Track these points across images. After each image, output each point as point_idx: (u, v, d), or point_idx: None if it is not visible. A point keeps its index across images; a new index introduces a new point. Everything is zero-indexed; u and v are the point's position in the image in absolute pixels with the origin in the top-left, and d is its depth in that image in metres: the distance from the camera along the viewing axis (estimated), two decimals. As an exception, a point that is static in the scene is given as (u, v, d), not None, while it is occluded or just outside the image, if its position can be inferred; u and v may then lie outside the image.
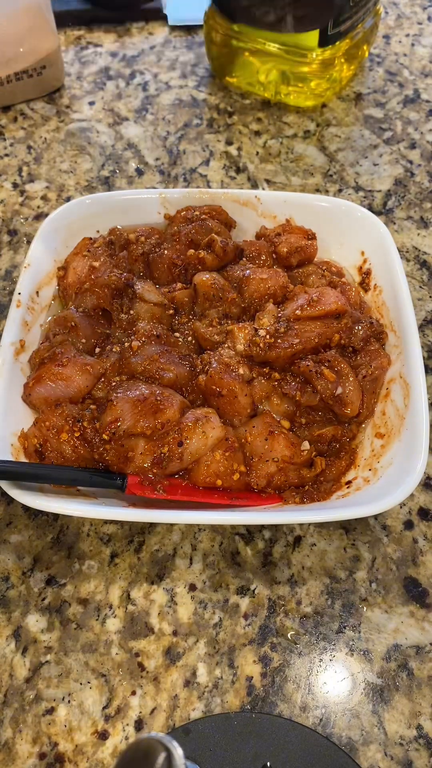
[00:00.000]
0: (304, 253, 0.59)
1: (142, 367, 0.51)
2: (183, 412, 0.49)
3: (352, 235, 0.61)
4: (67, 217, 0.62)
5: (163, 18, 0.94)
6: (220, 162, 0.77)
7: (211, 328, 0.54)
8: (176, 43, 0.91)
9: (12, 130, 0.80)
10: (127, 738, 0.43)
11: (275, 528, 0.51)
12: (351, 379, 0.51)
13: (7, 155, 0.78)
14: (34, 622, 0.47)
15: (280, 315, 0.54)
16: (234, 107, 0.83)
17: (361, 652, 0.46)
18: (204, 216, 0.61)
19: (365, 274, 0.60)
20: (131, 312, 0.56)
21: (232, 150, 0.78)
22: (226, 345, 0.53)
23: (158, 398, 0.49)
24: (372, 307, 0.58)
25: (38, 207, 0.73)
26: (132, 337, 0.53)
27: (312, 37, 0.73)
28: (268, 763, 0.41)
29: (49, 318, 0.58)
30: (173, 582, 0.49)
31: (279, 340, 0.52)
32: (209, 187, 0.74)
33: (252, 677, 0.45)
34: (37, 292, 0.58)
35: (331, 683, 0.45)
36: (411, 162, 0.76)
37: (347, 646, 0.46)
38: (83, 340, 0.54)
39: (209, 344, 0.54)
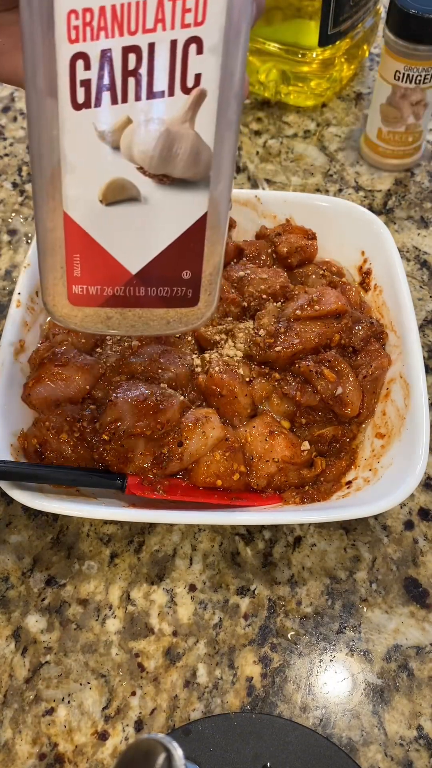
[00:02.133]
0: (304, 253, 0.59)
1: (142, 367, 0.51)
2: (183, 412, 0.49)
3: (352, 235, 0.61)
4: (67, 217, 0.61)
5: (163, 18, 0.94)
6: (220, 162, 0.76)
7: (211, 328, 0.54)
8: (176, 43, 0.91)
9: (12, 130, 0.80)
10: (127, 739, 0.43)
11: (275, 528, 0.51)
12: (351, 379, 0.51)
13: (7, 155, 0.78)
14: (34, 623, 0.47)
15: (280, 315, 0.54)
16: (234, 107, 0.82)
17: (362, 653, 0.46)
18: (204, 216, 0.61)
19: (365, 274, 0.60)
20: (131, 312, 0.56)
21: (232, 150, 0.78)
22: (226, 345, 0.53)
23: (158, 398, 0.48)
24: (372, 307, 0.58)
25: (38, 207, 0.73)
26: (132, 337, 0.53)
27: (312, 36, 0.73)
28: (268, 764, 0.41)
29: (49, 318, 0.58)
30: (173, 582, 0.49)
31: (279, 340, 0.52)
32: (209, 187, 0.74)
33: (252, 678, 0.45)
34: (37, 292, 0.58)
35: (332, 684, 0.45)
36: (411, 162, 0.76)
37: (347, 647, 0.46)
38: (83, 340, 0.54)
39: (209, 344, 0.54)
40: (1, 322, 0.62)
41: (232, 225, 0.63)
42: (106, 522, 0.51)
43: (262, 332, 0.52)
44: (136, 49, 0.29)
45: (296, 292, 0.55)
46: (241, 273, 0.57)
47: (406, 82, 0.66)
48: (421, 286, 0.66)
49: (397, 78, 0.66)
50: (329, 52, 0.75)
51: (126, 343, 0.53)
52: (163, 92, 0.29)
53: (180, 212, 0.33)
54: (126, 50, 0.29)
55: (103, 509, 0.46)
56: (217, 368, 0.50)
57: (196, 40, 0.28)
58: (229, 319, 0.55)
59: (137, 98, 0.30)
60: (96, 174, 0.32)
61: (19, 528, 0.51)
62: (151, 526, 0.51)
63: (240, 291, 0.56)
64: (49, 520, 0.51)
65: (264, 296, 0.56)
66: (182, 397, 0.50)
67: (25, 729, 0.43)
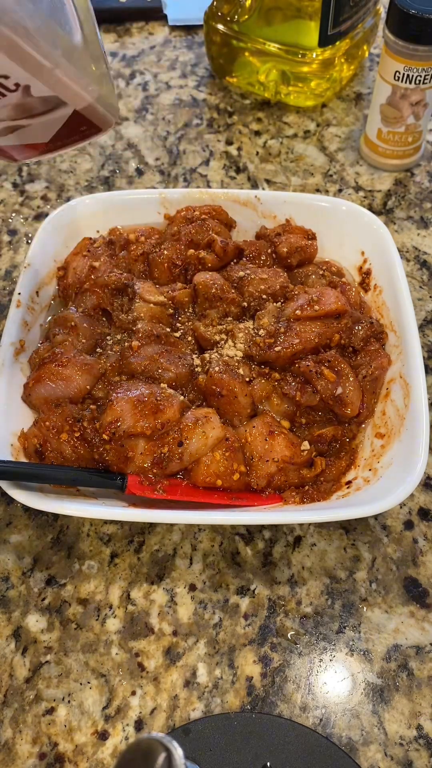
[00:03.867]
0: (304, 253, 0.59)
1: (142, 367, 0.51)
2: (183, 412, 0.49)
3: (352, 235, 0.61)
4: (67, 217, 0.61)
5: (163, 18, 0.94)
6: (220, 162, 0.77)
7: (211, 328, 0.54)
8: (176, 43, 0.91)
9: (12, 130, 0.80)
10: (127, 738, 0.43)
11: (275, 528, 0.51)
12: (351, 379, 0.51)
13: (7, 155, 0.78)
14: (34, 622, 0.47)
15: (280, 315, 0.54)
16: (234, 107, 0.83)
17: (361, 653, 0.46)
18: (204, 216, 0.61)
19: (365, 274, 0.60)
20: (131, 312, 0.56)
21: (232, 150, 0.78)
22: (226, 345, 0.53)
23: (158, 398, 0.49)
24: (372, 307, 0.58)
25: (38, 207, 0.73)
26: (132, 337, 0.53)
27: (312, 36, 0.73)
28: (268, 764, 0.41)
29: (49, 318, 0.58)
30: (173, 582, 0.49)
31: (279, 340, 0.52)
32: (209, 187, 0.74)
33: (252, 677, 0.45)
34: (37, 292, 0.58)
35: (331, 683, 0.45)
36: (411, 162, 0.76)
37: (347, 647, 0.46)
38: (83, 340, 0.54)
39: (209, 344, 0.54)
40: (1, 322, 0.62)
41: (232, 225, 0.63)
42: (106, 522, 0.51)
43: (262, 332, 0.52)
44: None
45: (296, 292, 0.55)
46: (241, 273, 0.57)
47: (405, 82, 0.66)
48: (421, 286, 0.66)
49: (396, 78, 0.66)
50: (329, 52, 0.75)
51: (126, 343, 0.53)
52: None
53: (52, 120, 0.39)
54: None
55: (103, 509, 0.46)
56: (217, 368, 0.50)
57: None
58: (229, 319, 0.55)
59: None
60: None
61: (19, 528, 0.51)
62: (151, 526, 0.51)
63: (240, 291, 0.56)
64: (49, 520, 0.51)
65: (264, 296, 0.56)
66: (182, 397, 0.50)
67: (25, 728, 0.43)
